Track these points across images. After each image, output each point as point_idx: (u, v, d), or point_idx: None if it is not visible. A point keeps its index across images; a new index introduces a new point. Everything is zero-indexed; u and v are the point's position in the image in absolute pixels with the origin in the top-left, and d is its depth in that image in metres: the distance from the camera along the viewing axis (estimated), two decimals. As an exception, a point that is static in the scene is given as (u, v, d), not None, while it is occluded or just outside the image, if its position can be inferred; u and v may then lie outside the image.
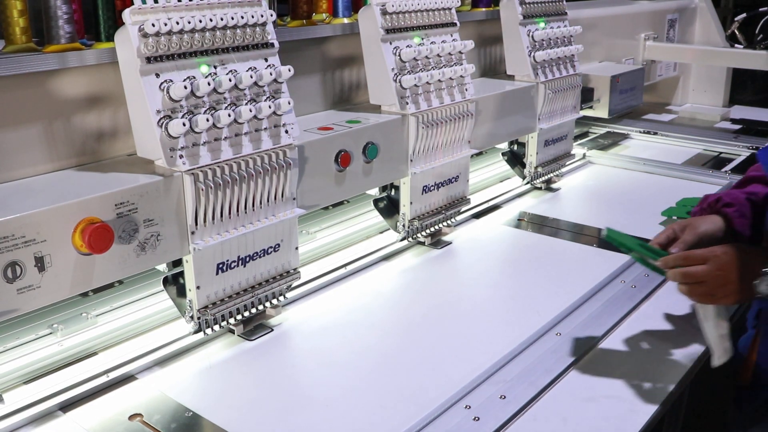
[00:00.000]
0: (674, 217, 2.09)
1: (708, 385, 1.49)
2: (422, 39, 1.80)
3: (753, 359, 1.39)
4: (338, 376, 1.36)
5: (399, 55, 1.73)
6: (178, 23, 1.24)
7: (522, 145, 2.31)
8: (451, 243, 1.97)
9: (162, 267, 1.35)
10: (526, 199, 2.34)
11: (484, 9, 2.27)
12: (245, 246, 1.39)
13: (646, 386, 1.30)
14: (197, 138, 1.28)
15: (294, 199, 1.47)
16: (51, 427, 1.21)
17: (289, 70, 1.41)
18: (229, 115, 1.30)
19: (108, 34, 1.33)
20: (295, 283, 1.55)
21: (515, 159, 2.34)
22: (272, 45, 1.42)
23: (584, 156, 2.74)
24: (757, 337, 1.39)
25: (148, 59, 1.23)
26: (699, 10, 3.70)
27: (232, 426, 1.21)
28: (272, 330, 1.51)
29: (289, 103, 1.40)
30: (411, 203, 1.82)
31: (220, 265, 1.36)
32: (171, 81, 1.25)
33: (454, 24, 1.89)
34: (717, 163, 2.72)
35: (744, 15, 3.35)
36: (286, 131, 1.43)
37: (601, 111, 2.83)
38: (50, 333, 1.36)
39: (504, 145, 2.33)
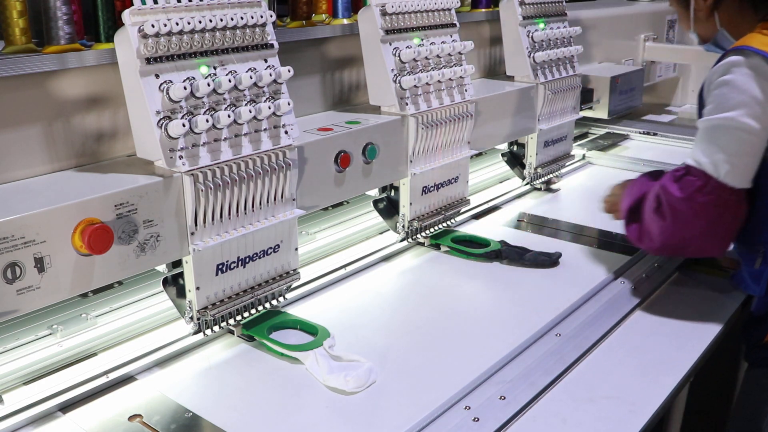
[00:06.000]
0: None
1: (708, 384, 1.49)
2: (422, 40, 1.80)
3: None
4: (338, 376, 1.36)
5: (399, 56, 1.73)
6: (177, 24, 1.24)
7: (522, 145, 2.31)
8: (450, 244, 1.97)
9: (162, 268, 1.35)
10: (525, 200, 2.35)
11: (483, 10, 2.27)
12: (245, 247, 1.39)
13: (646, 386, 1.30)
14: (197, 139, 1.28)
15: (294, 199, 1.47)
16: (51, 427, 1.21)
17: (289, 71, 1.41)
18: (229, 116, 1.30)
19: (108, 35, 1.34)
20: (294, 284, 1.54)
21: (515, 160, 2.34)
22: (272, 46, 1.42)
23: (584, 157, 2.74)
24: None
25: (148, 60, 1.23)
26: (698, 11, 3.70)
27: (231, 427, 1.21)
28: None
29: (288, 104, 1.40)
30: (411, 204, 1.82)
31: (220, 266, 1.36)
32: (171, 82, 1.25)
33: (453, 25, 1.90)
34: (717, 163, 2.72)
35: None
36: (286, 132, 1.43)
37: (600, 112, 2.83)
38: (50, 334, 1.36)
39: (504, 146, 2.33)
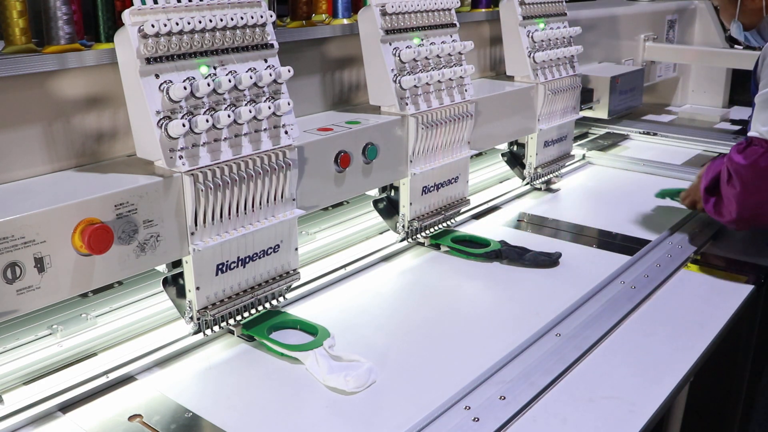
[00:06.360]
0: (666, 198, 2.20)
1: (708, 385, 1.49)
2: (422, 40, 1.80)
3: None
4: (338, 376, 1.36)
5: (399, 56, 1.73)
6: (177, 24, 1.24)
7: (522, 145, 2.31)
8: (450, 244, 1.97)
9: (162, 268, 1.35)
10: (525, 200, 2.35)
11: (483, 10, 2.27)
12: (245, 247, 1.39)
13: (646, 386, 1.30)
14: (197, 139, 1.28)
15: (294, 199, 1.47)
16: (51, 428, 1.21)
17: (289, 71, 1.41)
18: (229, 116, 1.30)
19: (108, 35, 1.34)
20: (294, 284, 1.54)
21: (515, 160, 2.34)
22: (272, 46, 1.42)
23: (584, 157, 2.74)
24: None
25: (148, 60, 1.23)
26: (698, 10, 3.70)
27: (231, 427, 1.21)
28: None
29: (288, 104, 1.40)
30: (411, 204, 1.82)
31: (220, 266, 1.36)
32: (171, 82, 1.25)
33: (453, 25, 1.90)
34: (717, 163, 2.72)
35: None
36: (286, 132, 1.43)
37: (600, 112, 2.83)
38: (50, 334, 1.36)
39: (504, 146, 2.33)
